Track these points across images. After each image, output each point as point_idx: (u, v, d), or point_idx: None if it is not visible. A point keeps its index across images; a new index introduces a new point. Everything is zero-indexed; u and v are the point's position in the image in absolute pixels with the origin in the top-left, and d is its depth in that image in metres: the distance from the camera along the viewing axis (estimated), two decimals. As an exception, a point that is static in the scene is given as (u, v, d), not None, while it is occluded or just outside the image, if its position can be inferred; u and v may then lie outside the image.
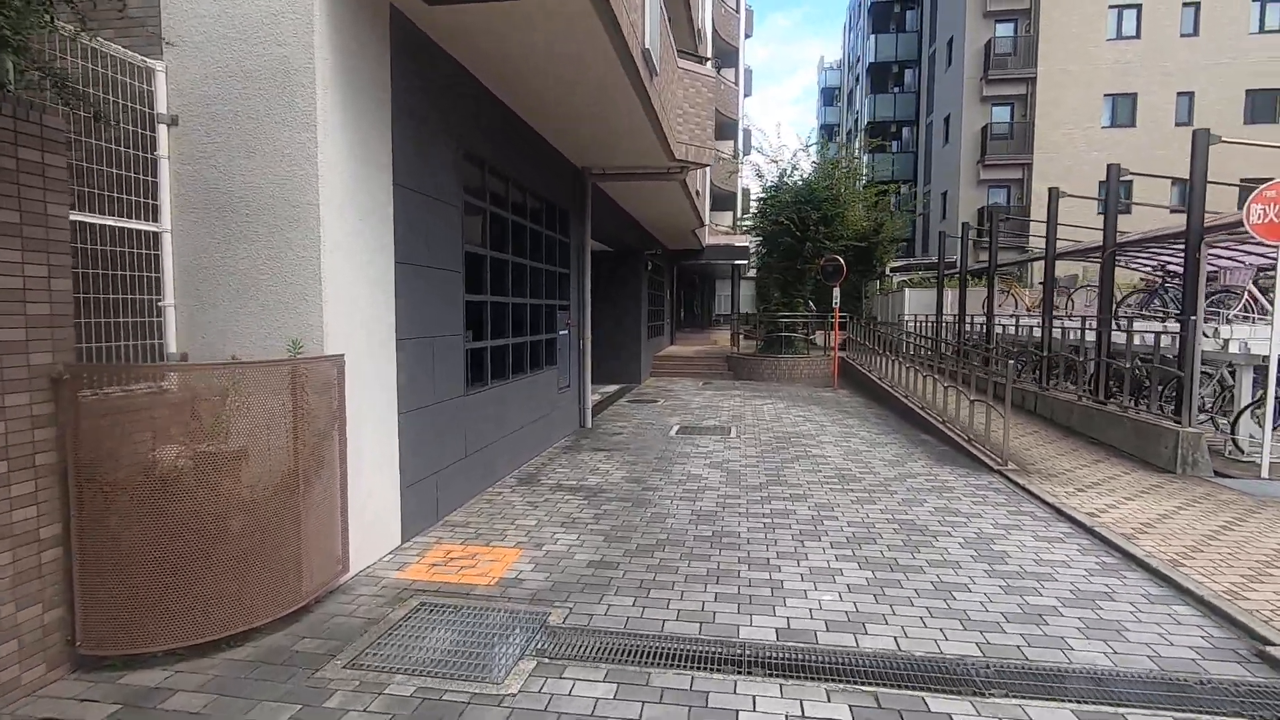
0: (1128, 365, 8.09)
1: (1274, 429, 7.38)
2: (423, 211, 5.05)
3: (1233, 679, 3.12)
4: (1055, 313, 12.66)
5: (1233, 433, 7.31)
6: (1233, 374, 7.87)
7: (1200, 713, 2.85)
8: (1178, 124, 24.14)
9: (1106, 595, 4.00)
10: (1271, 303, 8.42)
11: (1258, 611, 3.68)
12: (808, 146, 18.49)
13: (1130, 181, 20.53)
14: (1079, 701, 2.92)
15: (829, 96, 59.85)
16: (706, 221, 16.61)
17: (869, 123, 35.99)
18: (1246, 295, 8.44)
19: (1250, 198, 6.62)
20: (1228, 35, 23.76)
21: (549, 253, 8.37)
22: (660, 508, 5.75)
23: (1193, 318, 7.14)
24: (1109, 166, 9.26)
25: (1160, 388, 8.04)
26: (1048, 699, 2.93)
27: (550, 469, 7.15)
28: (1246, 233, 7.07)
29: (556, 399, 8.65)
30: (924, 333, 15.85)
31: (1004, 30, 25.55)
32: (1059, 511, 5.55)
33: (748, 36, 29.07)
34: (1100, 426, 8.25)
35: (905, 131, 35.59)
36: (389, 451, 4.57)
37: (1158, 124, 24.23)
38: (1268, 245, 8.77)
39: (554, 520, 5.37)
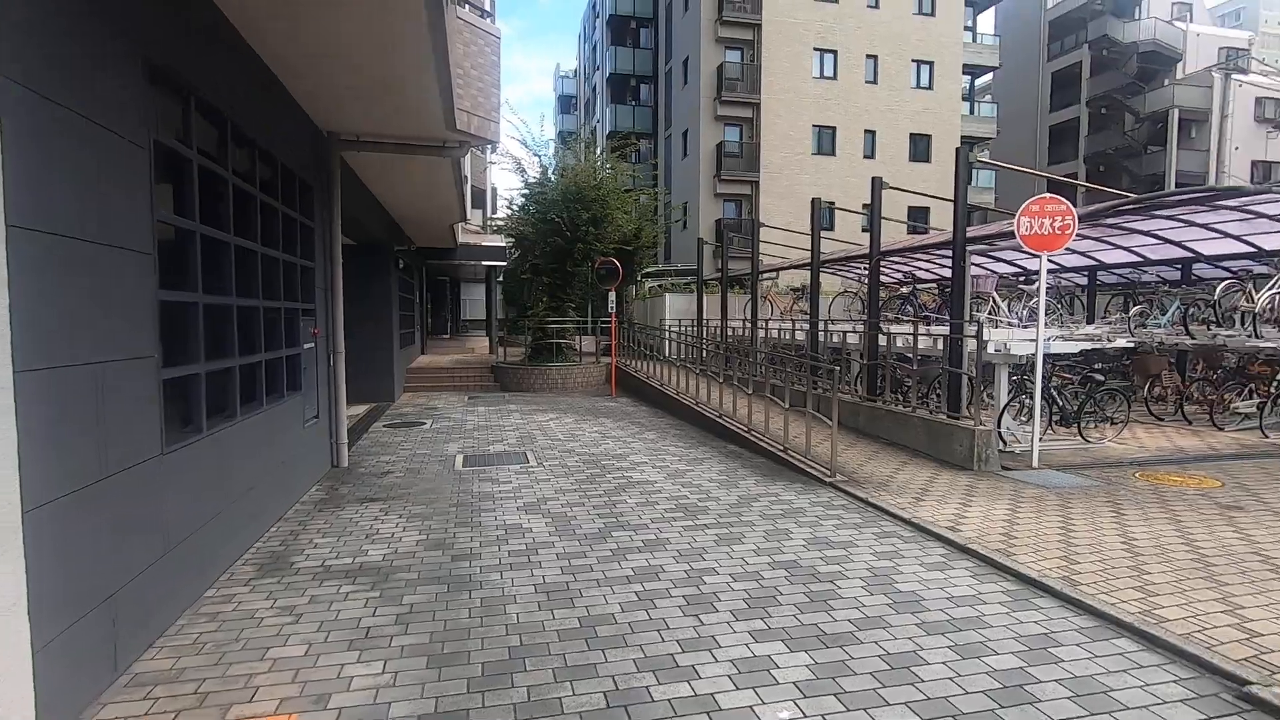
0: (913, 368, 8.51)
1: (1022, 422, 8.27)
2: (74, 143, 2.86)
3: (1242, 737, 2.73)
4: (805, 317, 13.52)
5: (999, 427, 7.99)
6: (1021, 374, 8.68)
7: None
8: (864, 156, 28.45)
9: (1050, 639, 3.53)
10: (1011, 308, 9.59)
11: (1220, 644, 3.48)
12: (570, 143, 17.67)
13: (833, 205, 23.55)
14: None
15: (566, 104, 60.62)
16: (469, 215, 14.84)
17: (610, 132, 36.75)
18: (992, 301, 9.55)
19: (1020, 211, 7.19)
20: (895, 86, 28.64)
21: (288, 239, 6.11)
22: (489, 588, 4.17)
23: (975, 320, 7.63)
24: (813, 200, 9.93)
25: (936, 388, 8.61)
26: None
27: (306, 540, 5.04)
28: (1002, 243, 7.76)
29: (301, 436, 6.40)
30: (691, 337, 16.01)
31: (733, 57, 27.68)
32: (922, 529, 5.23)
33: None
34: (890, 428, 8.57)
35: (643, 142, 37.05)
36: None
37: (851, 155, 28.28)
38: (1023, 253, 9.86)
39: (335, 640, 3.50)
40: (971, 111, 31.76)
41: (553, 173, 16.70)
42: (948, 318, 9.71)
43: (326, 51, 5.16)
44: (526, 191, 16.47)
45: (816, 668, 3.23)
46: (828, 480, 6.64)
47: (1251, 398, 9.50)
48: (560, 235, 15.13)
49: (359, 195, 9.76)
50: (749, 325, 14.33)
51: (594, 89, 47.25)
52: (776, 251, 15.53)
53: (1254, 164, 32.29)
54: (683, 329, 15.63)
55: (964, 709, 2.91)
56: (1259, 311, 9.43)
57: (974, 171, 30.02)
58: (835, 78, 28.03)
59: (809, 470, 7.01)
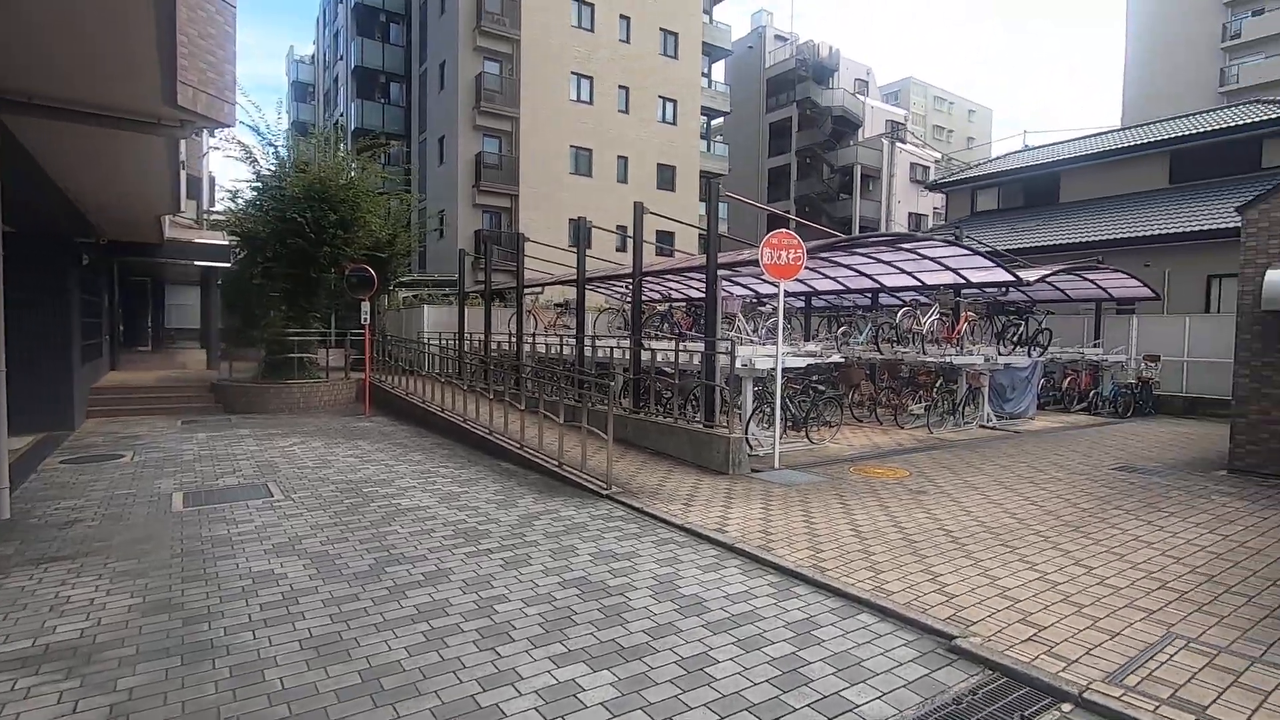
0: (674, 381, 9.14)
1: (764, 428, 9.35)
2: None
3: (954, 683, 3.36)
4: (570, 332, 13.86)
5: (746, 434, 8.93)
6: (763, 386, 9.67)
7: None
8: (618, 180, 30.12)
9: (812, 623, 4.01)
10: (754, 328, 10.78)
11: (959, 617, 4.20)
12: (309, 135, 15.94)
13: (592, 225, 24.54)
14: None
15: (301, 92, 54.73)
16: (184, 206, 12.50)
17: (357, 129, 34.01)
18: (739, 321, 10.64)
19: (762, 243, 8.16)
20: (645, 118, 30.84)
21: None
22: (240, 653, 3.52)
23: (728, 338, 8.45)
24: (579, 218, 10.56)
25: (694, 400, 9.37)
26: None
27: (-49, 625, 3.78)
28: (744, 269, 8.74)
29: (-62, 483, 4.81)
30: (454, 350, 15.37)
31: (492, 68, 27.43)
32: (695, 534, 5.61)
33: None
34: (657, 438, 9.08)
35: (395, 144, 34.90)
36: None
37: (606, 177, 29.73)
38: (759, 281, 11.04)
39: (17, 753, 2.66)
40: (708, 149, 35.37)
41: (292, 166, 14.91)
42: (701, 335, 10.64)
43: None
44: (260, 185, 14.46)
45: (620, 684, 3.27)
46: (605, 493, 6.82)
47: (920, 401, 11.89)
48: (303, 236, 13.53)
49: (27, 171, 7.71)
50: (513, 339, 14.22)
51: (336, 80, 43.34)
52: (539, 266, 15.64)
53: (910, 215, 40.77)
54: (444, 342, 14.97)
55: (755, 699, 3.16)
56: (924, 333, 11.87)
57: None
58: (591, 102, 29.26)
59: (585, 484, 7.13)
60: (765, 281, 13.41)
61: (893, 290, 14.15)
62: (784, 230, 8.32)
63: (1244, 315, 8.18)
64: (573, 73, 28.69)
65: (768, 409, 9.25)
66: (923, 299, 13.35)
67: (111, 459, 8.47)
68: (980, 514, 6.23)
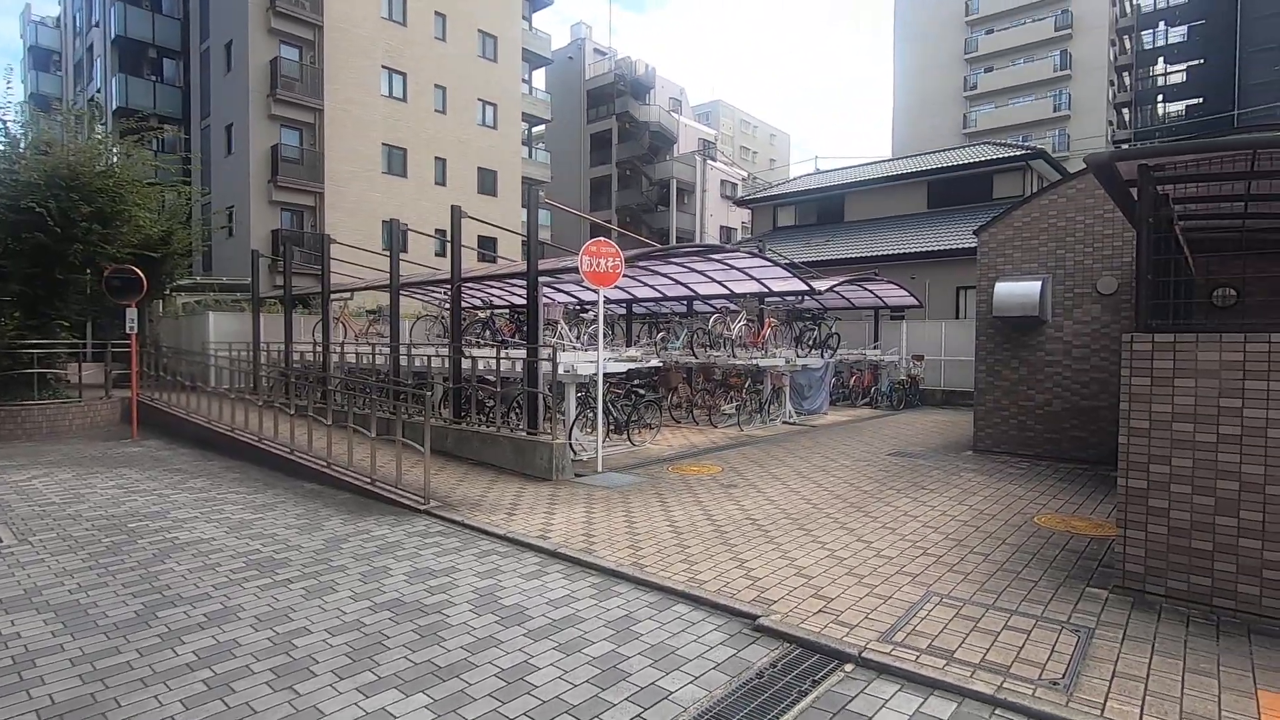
0: (497, 389, 8.95)
1: (587, 432, 9.49)
2: None
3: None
4: (383, 340, 13.10)
5: (570, 439, 9.00)
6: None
7: (780, 704, 3.19)
8: (436, 182, 28.96)
9: (631, 619, 4.12)
10: (578, 334, 10.87)
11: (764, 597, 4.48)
12: (57, 112, 13.52)
13: (407, 228, 23.34)
14: None
15: (43, 60, 46.22)
16: None
17: (119, 108, 29.37)
18: (560, 327, 10.66)
19: (581, 251, 8.29)
20: (464, 120, 29.99)
21: None
22: (-50, 735, 2.87)
23: (550, 345, 8.45)
24: (391, 220, 10.54)
25: (517, 408, 9.25)
26: None
27: None
28: (567, 276, 8.83)
29: None
30: (247, 363, 13.77)
31: (289, 54, 25.05)
32: (517, 543, 5.54)
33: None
34: (479, 448, 8.83)
35: (170, 128, 30.62)
36: None
37: (423, 179, 28.44)
38: (582, 288, 11.16)
39: None
40: (530, 156, 35.22)
41: (27, 146, 12.54)
42: (523, 342, 10.55)
43: None
44: (-20, 164, 11.95)
45: (436, 705, 3.14)
46: (422, 508, 6.50)
47: (732, 402, 12.76)
48: (44, 230, 11.39)
49: None
50: (319, 349, 13.09)
51: (90, 49, 37.12)
52: (348, 270, 14.56)
53: (722, 228, 43.67)
54: (235, 354, 13.37)
55: (574, 701, 3.19)
56: (733, 338, 12.77)
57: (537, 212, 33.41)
58: (405, 100, 27.87)
59: (401, 500, 6.75)
60: (587, 289, 13.64)
61: (706, 298, 15.06)
62: (603, 239, 8.52)
63: (981, 320, 9.79)
64: (384, 66, 27.13)
65: (590, 414, 9.40)
66: (732, 306, 14.36)
67: None
68: (782, 502, 6.82)
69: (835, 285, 14.64)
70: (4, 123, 12.51)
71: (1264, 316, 7.23)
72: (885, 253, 20.52)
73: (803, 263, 17.07)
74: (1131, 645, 3.68)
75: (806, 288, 13.51)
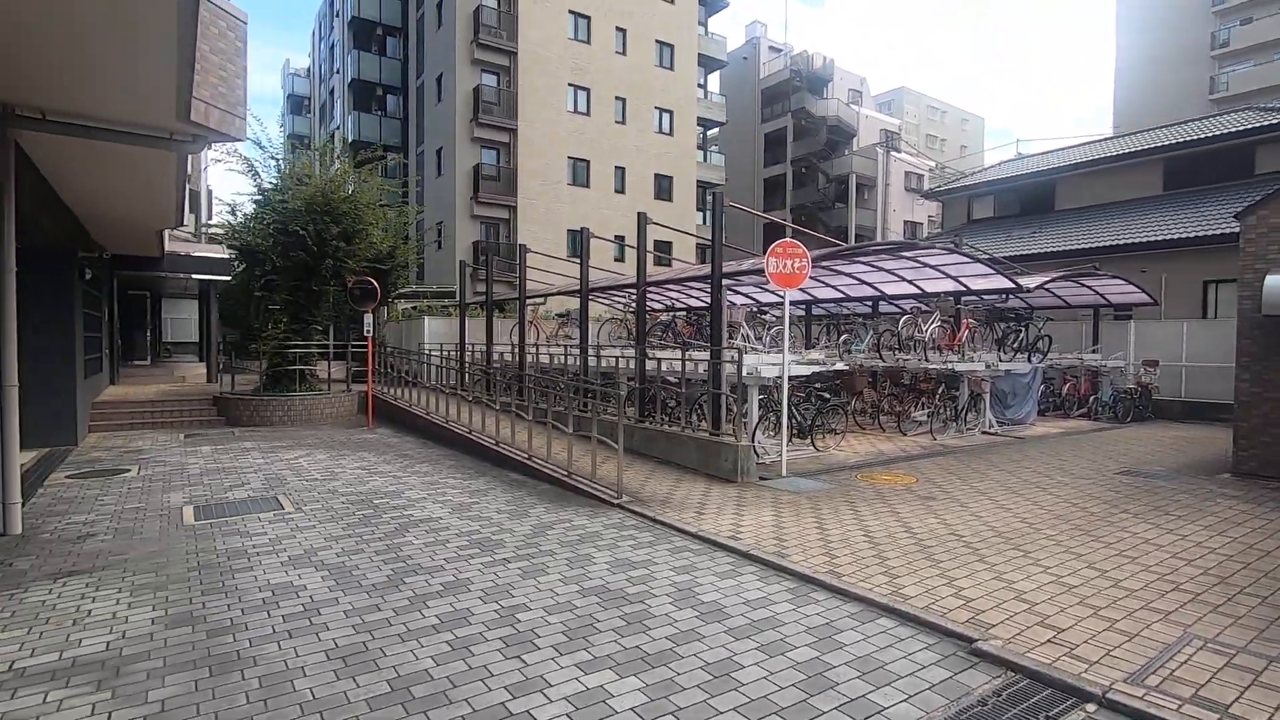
0: (680, 390, 9.18)
1: (770, 435, 9.39)
2: None
3: (978, 685, 3.39)
4: (572, 342, 13.92)
5: (753, 441, 8.97)
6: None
7: None
8: (615, 190, 30.28)
9: (832, 627, 4.04)
10: (759, 336, 10.84)
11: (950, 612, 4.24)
12: (314, 149, 16.02)
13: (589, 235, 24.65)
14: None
15: (297, 105, 54.97)
16: (187, 220, 12.52)
17: (353, 141, 34.15)
18: (743, 329, 10.71)
19: (767, 252, 8.23)
20: (642, 129, 31.05)
21: (-63, 235, 4.61)
22: (267, 664, 3.53)
23: (735, 347, 8.50)
24: (581, 229, 11.09)
25: (699, 409, 9.41)
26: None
27: (-25, 640, 3.78)
28: (747, 278, 8.80)
29: (-45, 498, 4.81)
30: (456, 361, 15.37)
31: (489, 80, 27.59)
32: (709, 541, 5.64)
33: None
34: (664, 447, 9.11)
35: (392, 156, 35.05)
36: None
37: (604, 188, 29.88)
38: (761, 289, 11.11)
39: (55, 765, 2.67)
40: (705, 159, 35.58)
41: (292, 179, 14.98)
42: (705, 343, 10.70)
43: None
44: (260, 198, 14.51)
45: (649, 690, 3.30)
46: (615, 502, 6.84)
47: (923, 408, 11.95)
48: (305, 249, 13.58)
49: (35, 186, 7.75)
50: (515, 350, 14.25)
51: (331, 92, 43.52)
52: (537, 277, 15.71)
53: (906, 223, 41.03)
54: (445, 354, 14.99)
55: (782, 703, 3.19)
56: (926, 340, 11.95)
57: (706, 212, 33.74)
58: (589, 114, 29.46)
59: (596, 493, 7.15)
60: (766, 290, 13.49)
61: (892, 298, 14.25)
62: (789, 240, 8.39)
63: (1244, 320, 8.28)
64: (570, 84, 28.89)
65: (773, 417, 9.30)
66: (922, 307, 13.45)
67: (117, 473, 8.45)
68: (990, 519, 6.27)
69: (1046, 282, 13.17)
70: (276, 160, 15.06)
71: None
72: (1107, 244, 18.06)
73: (1005, 258, 15.55)
74: None
75: (1011, 285, 12.30)
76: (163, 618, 4.09)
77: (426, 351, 15.79)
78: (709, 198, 10.61)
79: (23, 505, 6.14)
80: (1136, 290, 14.61)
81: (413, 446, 10.75)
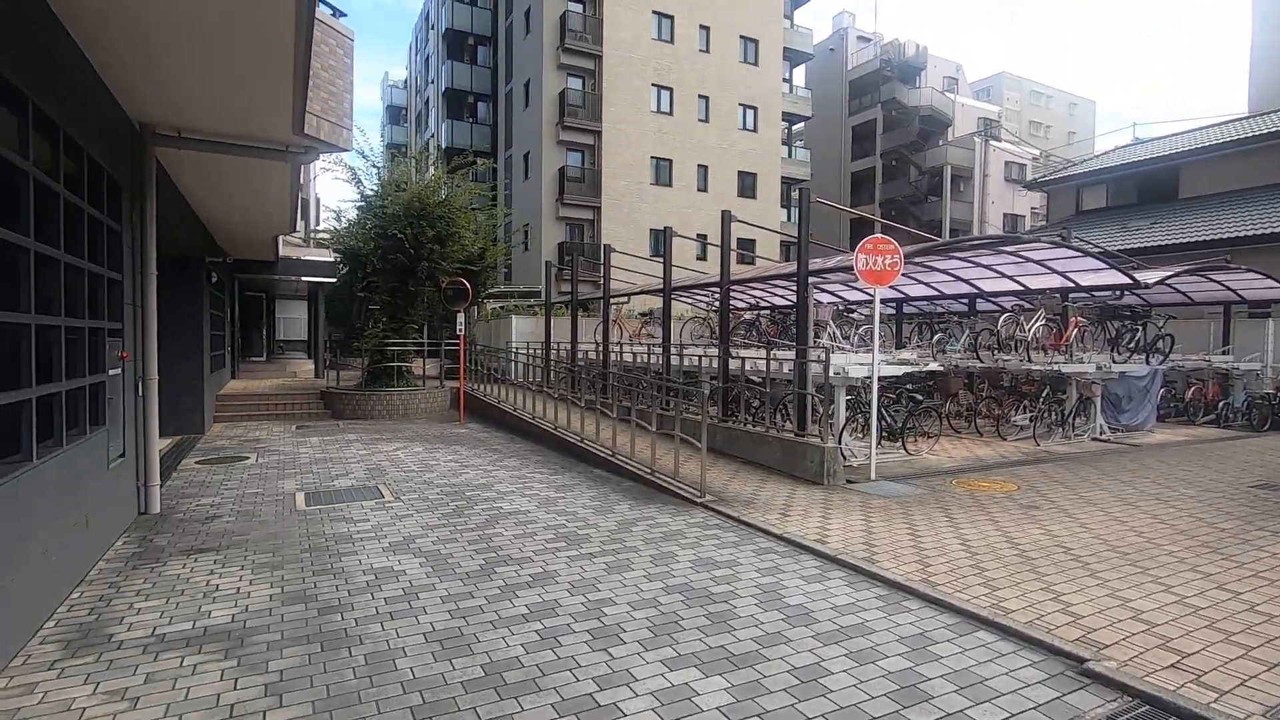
0: (765, 389, 9.06)
1: (858, 438, 9.11)
2: None
3: (1089, 708, 3.18)
4: (655, 341, 13.98)
5: (840, 443, 8.74)
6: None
7: None
8: (698, 189, 30.19)
9: (926, 638, 3.88)
10: (846, 336, 10.56)
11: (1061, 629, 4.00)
12: (407, 157, 16.85)
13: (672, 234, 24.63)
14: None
15: (395, 115, 57.88)
16: (298, 226, 13.49)
17: (446, 147, 35.65)
18: (830, 328, 10.46)
19: (857, 249, 7.99)
20: (725, 126, 30.81)
21: (94, 246, 5.16)
22: (372, 642, 3.75)
23: (821, 346, 8.31)
24: (665, 229, 11.03)
25: (783, 409, 9.26)
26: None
27: (123, 605, 4.22)
28: (834, 276, 8.55)
29: (104, 480, 5.37)
30: (542, 360, 15.78)
31: (575, 84, 28.14)
32: (794, 544, 5.55)
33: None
34: (747, 447, 9.02)
35: (482, 161, 36.34)
36: None
37: (686, 186, 29.86)
38: (848, 287, 10.84)
39: (191, 723, 2.94)
40: (789, 154, 34.92)
41: (391, 185, 15.80)
42: (790, 343, 10.51)
43: (174, 22, 4.47)
44: (363, 204, 15.39)
45: (734, 690, 3.28)
46: (699, 501, 6.83)
47: (1025, 412, 11.27)
48: (403, 252, 14.30)
49: (171, 199, 8.52)
50: (599, 348, 14.47)
51: (426, 102, 45.61)
52: (622, 276, 15.88)
53: (1005, 216, 38.78)
54: (532, 352, 15.41)
55: (874, 713, 3.10)
56: (1029, 339, 11.27)
57: (792, 209, 33.10)
58: (671, 113, 29.51)
59: (679, 492, 7.17)
60: (853, 288, 13.11)
61: (990, 295, 13.50)
62: (879, 235, 8.11)
63: None
64: (653, 84, 29.04)
65: (861, 419, 9.03)
66: (1025, 304, 12.69)
67: (238, 460, 9.19)
68: (1102, 531, 5.85)
69: (1168, 277, 12.12)
70: (376, 168, 15.93)
71: None
72: (1240, 234, 16.43)
73: (1119, 251, 14.44)
74: None
75: (1127, 280, 11.38)
76: (279, 595, 4.42)
77: (514, 350, 16.29)
78: (794, 194, 10.39)
79: (160, 487, 6.78)
80: (1276, 285, 13.21)
81: (501, 441, 11.12)
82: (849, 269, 8.42)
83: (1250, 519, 6.32)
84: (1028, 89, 54.09)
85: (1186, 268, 12.65)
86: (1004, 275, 12.00)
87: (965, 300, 14.13)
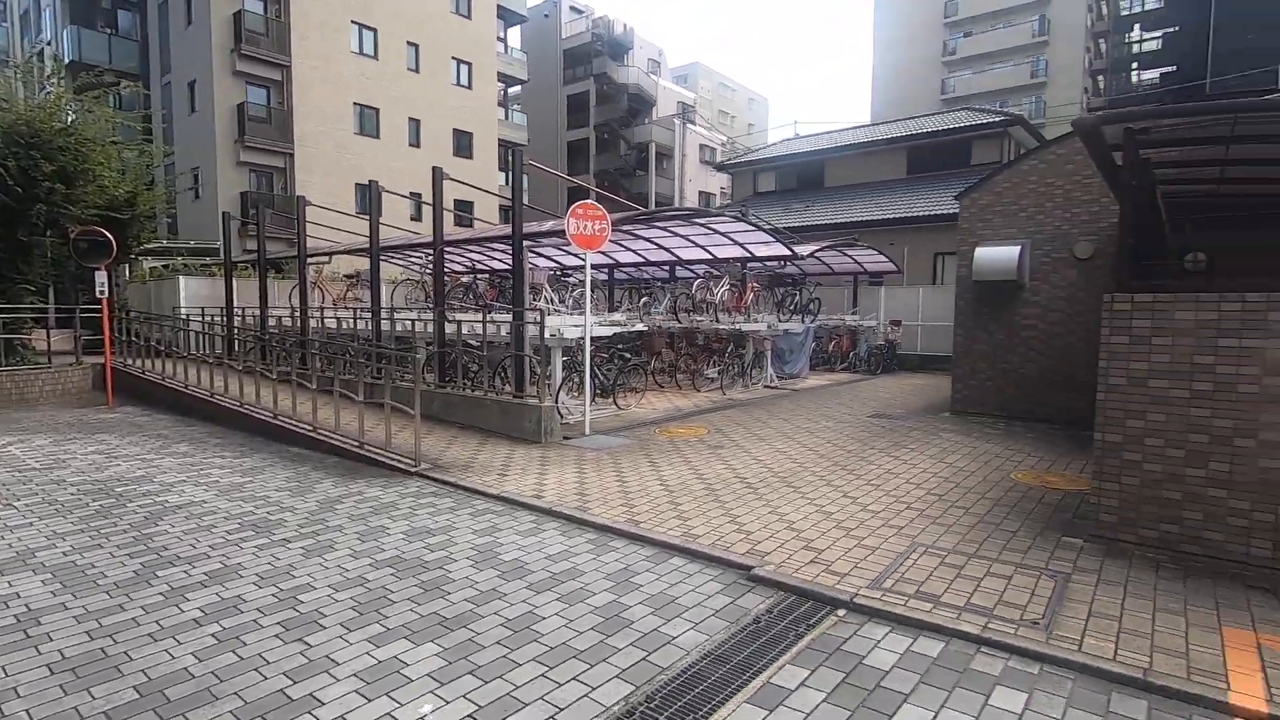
0: (482, 353, 8.93)
1: (574, 396, 9.55)
2: None
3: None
4: (361, 305, 12.95)
5: (557, 402, 9.04)
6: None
7: (778, 647, 3.34)
8: (410, 144, 28.27)
9: (629, 571, 4.24)
10: (562, 299, 10.83)
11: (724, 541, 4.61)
12: (11, 65, 12.90)
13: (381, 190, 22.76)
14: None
15: (-15, 8, 43.63)
16: None
17: (71, 61, 28.01)
18: (545, 291, 10.61)
19: (567, 213, 8.23)
20: (438, 80, 29.17)
21: None
22: (-38, 690, 2.89)
23: (537, 309, 8.43)
24: (370, 182, 10.67)
25: (502, 372, 9.27)
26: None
27: None
28: (549, 240, 8.76)
29: None
30: (223, 328, 13.48)
31: (253, 5, 24.01)
32: (512, 501, 5.62)
33: None
34: (466, 412, 8.84)
35: (129, 84, 29.31)
36: None
37: (397, 140, 27.73)
38: (563, 252, 11.10)
39: None
40: (507, 117, 34.47)
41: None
42: (507, 305, 10.51)
43: None
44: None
45: (446, 653, 3.23)
46: (414, 470, 6.54)
47: (715, 366, 12.88)
48: (4, 190, 10.97)
49: None
50: (297, 314, 12.89)
51: (38, -1, 35.18)
52: (322, 234, 14.25)
53: (701, 193, 43.42)
54: (210, 319, 13.10)
55: (580, 647, 3.30)
56: (717, 303, 12.83)
57: (510, 172, 32.89)
58: (376, 57, 27.00)
59: (392, 463, 6.78)
60: (569, 253, 13.55)
61: (688, 263, 15.05)
62: (589, 201, 8.45)
63: (960, 285, 9.96)
64: (353, 21, 26.18)
65: (577, 378, 9.44)
66: (715, 271, 14.39)
67: None
68: (769, 462, 6.98)
69: (816, 251, 14.73)
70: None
71: (1232, 280, 7.46)
72: (865, 219, 20.63)
73: (784, 228, 17.12)
74: (1106, 588, 3.89)
75: (788, 253, 13.58)
76: None
77: (184, 316, 13.68)
78: (510, 156, 10.19)
79: None
80: (886, 260, 16.91)
81: (168, 425, 9.33)
82: (562, 233, 8.64)
83: (867, 441, 8.08)
84: (717, 80, 60.78)
85: (829, 244, 15.50)
86: (698, 245, 13.45)
87: (667, 267, 15.56)
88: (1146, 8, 45.14)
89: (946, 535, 4.78)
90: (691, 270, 15.50)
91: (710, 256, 14.11)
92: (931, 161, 22.02)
